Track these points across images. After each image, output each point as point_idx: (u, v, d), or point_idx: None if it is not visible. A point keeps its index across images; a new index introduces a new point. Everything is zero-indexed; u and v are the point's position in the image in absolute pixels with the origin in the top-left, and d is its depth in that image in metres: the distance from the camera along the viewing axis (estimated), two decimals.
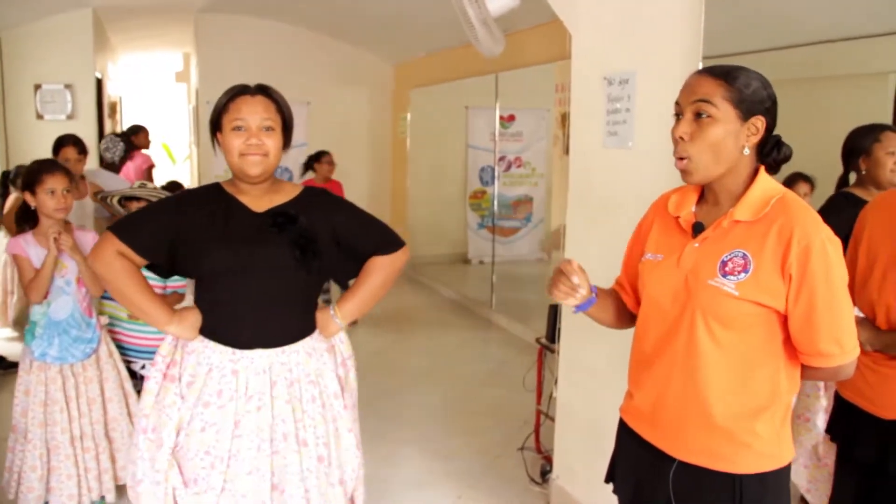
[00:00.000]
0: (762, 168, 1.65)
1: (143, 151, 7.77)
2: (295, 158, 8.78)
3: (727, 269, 1.60)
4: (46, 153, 5.13)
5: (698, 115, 1.61)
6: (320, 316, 2.25)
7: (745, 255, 1.59)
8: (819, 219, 1.58)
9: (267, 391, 2.09)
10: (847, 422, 2.25)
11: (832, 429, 2.37)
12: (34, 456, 3.09)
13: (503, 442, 4.23)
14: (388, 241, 2.28)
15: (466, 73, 7.85)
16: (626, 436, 1.87)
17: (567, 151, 3.37)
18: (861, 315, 2.19)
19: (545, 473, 3.70)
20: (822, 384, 3.05)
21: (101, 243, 2.10)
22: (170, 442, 2.10)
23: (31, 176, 3.07)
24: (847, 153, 2.83)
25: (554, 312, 3.71)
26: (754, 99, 1.61)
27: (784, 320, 1.60)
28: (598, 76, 3.05)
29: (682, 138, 1.62)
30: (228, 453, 2.08)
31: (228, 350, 2.10)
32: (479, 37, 3.73)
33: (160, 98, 15.02)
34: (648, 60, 2.82)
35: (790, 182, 2.87)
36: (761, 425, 1.63)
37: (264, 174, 2.10)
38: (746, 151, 1.62)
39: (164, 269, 2.20)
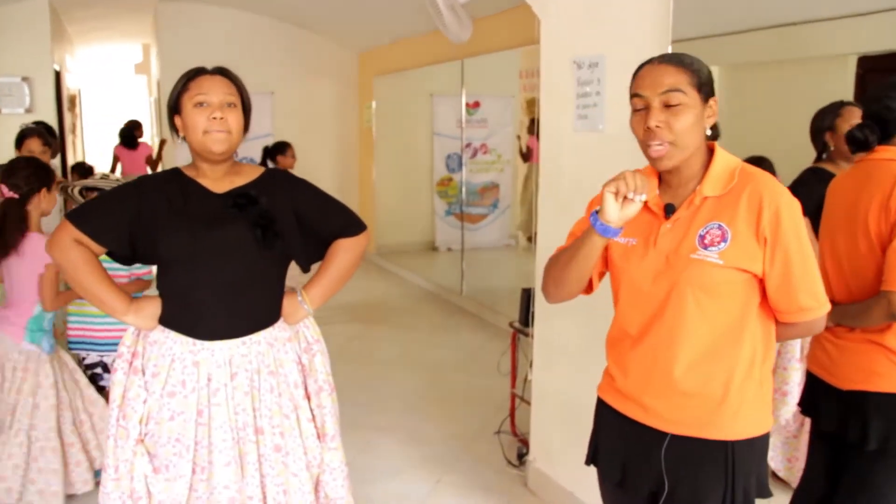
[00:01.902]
0: (716, 144, 1.74)
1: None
2: (259, 149, 8.72)
3: (706, 241, 1.67)
4: (4, 147, 5.03)
5: (668, 103, 1.66)
6: (287, 302, 2.22)
7: (720, 225, 1.66)
8: (778, 181, 1.68)
9: (228, 382, 2.09)
10: (813, 395, 2.33)
11: (803, 403, 2.43)
12: None
13: (478, 427, 4.26)
14: (350, 223, 2.28)
15: (431, 60, 7.83)
16: (610, 417, 1.89)
17: (538, 137, 3.38)
18: None
19: (522, 456, 3.73)
20: (798, 355, 3.11)
21: (58, 231, 2.06)
22: (135, 434, 2.09)
23: (50, 176, 3.16)
24: (814, 133, 2.91)
25: (527, 296, 3.73)
26: (709, 82, 1.70)
27: (759, 284, 1.69)
28: (568, 60, 3.07)
29: (658, 127, 1.66)
30: (195, 441, 2.08)
31: (189, 341, 2.08)
32: (446, 23, 3.74)
33: (120, 90, 14.80)
34: (618, 43, 2.84)
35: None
36: (748, 390, 1.70)
37: (228, 152, 2.07)
38: (708, 132, 1.71)
39: (124, 257, 2.15)
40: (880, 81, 2.26)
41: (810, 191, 2.69)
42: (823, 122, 2.88)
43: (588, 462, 2.00)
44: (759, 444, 1.74)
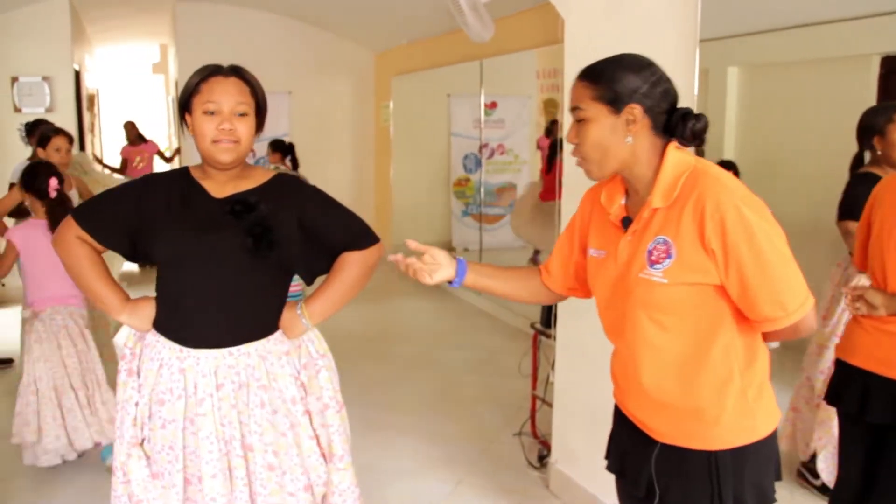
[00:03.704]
0: (670, 146, 1.66)
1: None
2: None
3: (653, 258, 1.62)
4: (22, 145, 5.06)
5: (577, 119, 1.69)
6: (286, 315, 2.11)
7: (665, 240, 1.60)
8: (734, 184, 1.57)
9: (214, 392, 2.01)
10: (854, 387, 2.29)
11: (833, 397, 2.40)
12: None
13: (498, 428, 4.25)
14: (360, 235, 2.15)
15: (449, 60, 7.83)
16: (620, 415, 1.91)
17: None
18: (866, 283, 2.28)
19: (543, 458, 3.72)
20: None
21: (62, 228, 2.07)
22: (128, 436, 2.07)
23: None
24: (861, 132, 2.80)
25: None
26: (624, 90, 1.63)
27: (726, 291, 1.60)
28: (592, 59, 3.04)
29: (571, 142, 1.71)
30: (184, 450, 2.03)
31: (176, 347, 2.03)
32: (469, 22, 3.72)
33: (137, 90, 14.88)
34: (643, 44, 2.81)
35: None
36: (728, 399, 1.64)
37: (236, 161, 2.01)
38: (629, 140, 1.64)
39: (125, 255, 2.13)
40: None
41: (857, 196, 2.63)
42: (874, 124, 2.77)
43: (606, 456, 2.00)
44: (751, 453, 1.67)
